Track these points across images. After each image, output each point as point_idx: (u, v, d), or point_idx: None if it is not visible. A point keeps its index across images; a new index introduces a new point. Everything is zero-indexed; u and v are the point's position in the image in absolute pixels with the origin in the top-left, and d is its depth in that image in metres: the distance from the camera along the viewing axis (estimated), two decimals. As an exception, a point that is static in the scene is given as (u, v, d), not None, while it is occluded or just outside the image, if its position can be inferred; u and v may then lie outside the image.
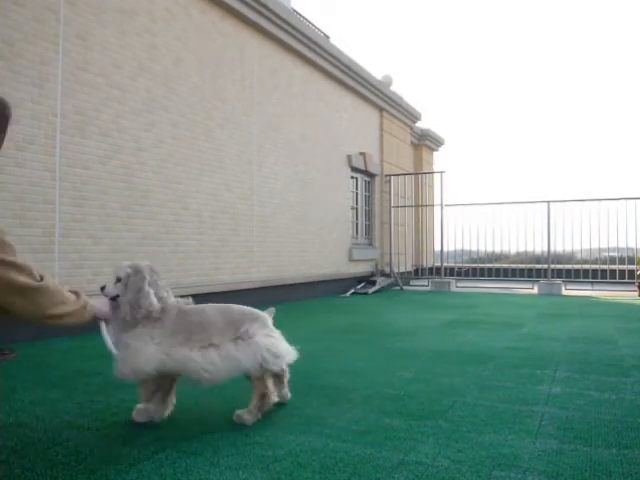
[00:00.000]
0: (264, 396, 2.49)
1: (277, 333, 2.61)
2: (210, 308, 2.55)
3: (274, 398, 2.58)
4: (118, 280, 2.41)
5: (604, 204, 10.50)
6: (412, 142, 15.07)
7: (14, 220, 4.55)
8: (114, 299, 2.38)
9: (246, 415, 2.46)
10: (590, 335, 5.14)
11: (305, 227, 9.08)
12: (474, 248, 11.88)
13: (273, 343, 2.52)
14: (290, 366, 3.73)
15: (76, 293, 2.03)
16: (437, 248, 12.49)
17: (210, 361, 2.37)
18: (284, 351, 2.55)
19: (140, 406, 2.47)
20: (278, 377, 2.66)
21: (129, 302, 2.35)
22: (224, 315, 2.51)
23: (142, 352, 2.30)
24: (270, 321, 2.64)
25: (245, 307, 2.61)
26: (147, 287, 2.38)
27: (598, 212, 10.49)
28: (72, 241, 5.05)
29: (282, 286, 8.33)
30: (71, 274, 5.01)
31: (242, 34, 7.54)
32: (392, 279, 11.49)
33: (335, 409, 2.68)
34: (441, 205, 11.58)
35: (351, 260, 10.72)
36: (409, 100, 13.66)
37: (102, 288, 2.44)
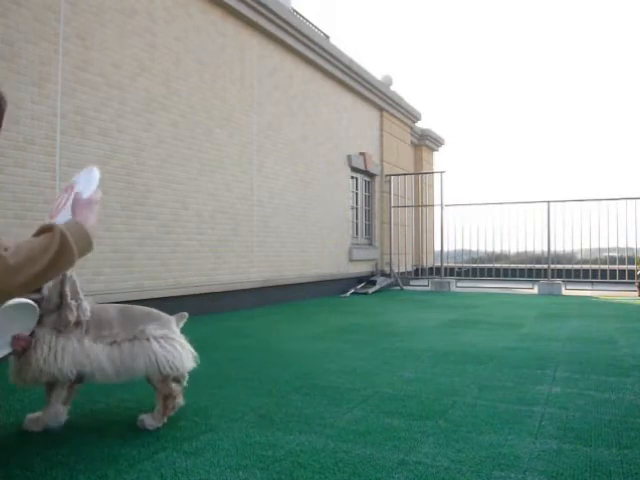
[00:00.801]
0: (167, 398, 2.39)
1: (178, 336, 2.49)
2: (113, 307, 2.51)
3: (180, 400, 2.48)
4: None
5: (604, 204, 10.50)
6: (412, 142, 15.07)
7: (14, 220, 4.55)
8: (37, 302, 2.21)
9: (148, 420, 2.37)
10: (590, 335, 5.14)
11: (305, 227, 9.08)
12: (474, 248, 11.89)
13: (170, 346, 2.40)
14: (291, 366, 3.74)
15: (48, 229, 1.60)
16: (437, 248, 12.49)
17: (112, 360, 2.33)
18: (180, 356, 2.41)
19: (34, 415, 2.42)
20: (177, 381, 2.52)
21: (58, 312, 2.27)
22: (124, 313, 2.45)
23: (66, 352, 2.26)
24: (174, 324, 2.52)
25: (148, 308, 2.55)
26: (70, 299, 2.30)
27: (598, 212, 10.50)
28: (72, 241, 5.04)
29: (282, 286, 8.33)
30: (71, 274, 5.01)
31: (242, 34, 7.54)
32: (392, 279, 11.49)
33: (335, 409, 2.68)
34: (441, 205, 11.58)
35: (351, 260, 10.72)
36: (409, 100, 13.67)
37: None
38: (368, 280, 11.08)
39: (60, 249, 1.57)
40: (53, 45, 4.88)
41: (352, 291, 10.30)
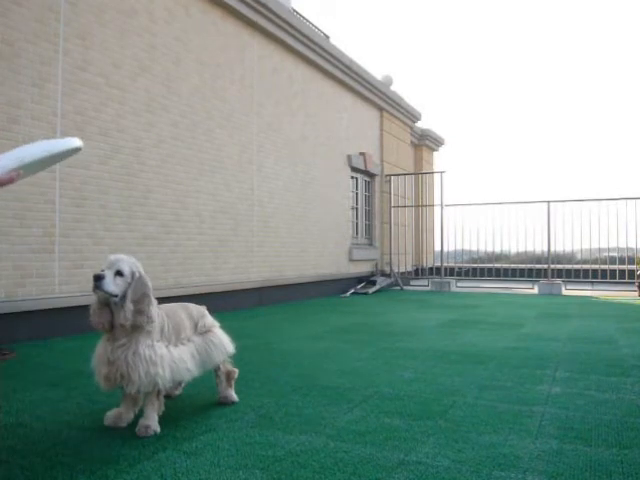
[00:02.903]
0: (230, 371, 2.76)
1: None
2: (174, 306, 2.61)
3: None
4: (119, 274, 2.23)
5: (604, 204, 10.50)
6: (412, 142, 15.07)
7: (14, 220, 4.55)
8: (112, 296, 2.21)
9: (231, 394, 2.76)
10: (590, 335, 5.14)
11: (305, 227, 9.08)
12: (474, 248, 11.89)
13: (222, 330, 2.75)
14: (291, 366, 3.75)
15: None
16: (437, 248, 12.49)
17: (194, 358, 2.50)
18: (228, 336, 2.79)
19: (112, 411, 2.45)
20: None
21: (134, 308, 2.23)
22: (185, 312, 2.60)
23: (166, 362, 2.31)
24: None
25: (184, 303, 2.74)
26: (151, 294, 2.31)
27: (598, 212, 10.50)
28: (72, 241, 5.05)
29: (282, 286, 8.33)
30: (71, 274, 5.01)
31: (242, 34, 7.54)
32: (392, 279, 11.49)
33: (335, 409, 2.68)
34: (441, 205, 11.58)
35: (351, 260, 10.71)
36: (409, 100, 13.67)
37: (98, 278, 2.17)
38: (368, 280, 11.08)
39: None
40: (53, 45, 4.88)
41: (352, 291, 10.30)
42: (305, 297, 8.99)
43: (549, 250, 10.89)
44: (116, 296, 2.23)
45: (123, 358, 2.22)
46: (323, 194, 9.68)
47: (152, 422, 2.31)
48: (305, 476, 1.89)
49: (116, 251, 5.47)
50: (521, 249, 11.56)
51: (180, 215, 6.33)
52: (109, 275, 2.20)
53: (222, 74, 7.11)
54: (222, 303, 6.88)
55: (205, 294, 6.53)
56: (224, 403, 2.73)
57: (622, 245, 10.69)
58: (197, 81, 6.67)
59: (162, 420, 2.40)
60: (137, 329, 2.26)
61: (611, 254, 11.58)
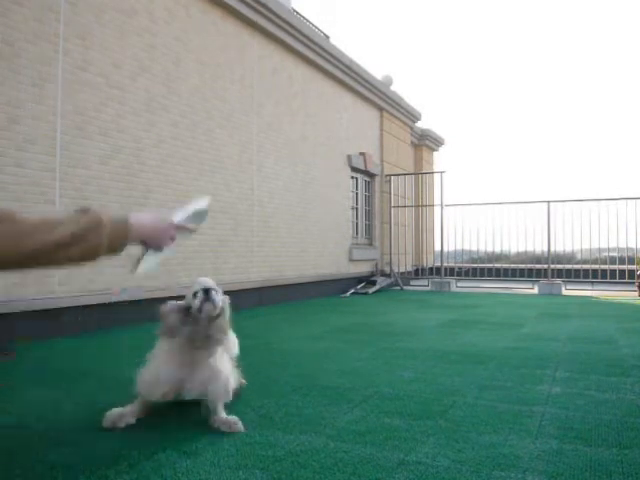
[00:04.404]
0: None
1: None
2: None
3: None
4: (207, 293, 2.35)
5: (604, 204, 10.50)
6: (412, 142, 15.07)
7: (14, 220, 4.54)
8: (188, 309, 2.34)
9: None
10: (590, 335, 5.14)
11: (305, 227, 9.08)
12: (474, 248, 11.89)
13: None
14: (291, 366, 3.75)
15: (84, 211, 1.46)
16: (437, 248, 12.49)
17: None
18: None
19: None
20: None
21: (210, 333, 2.33)
22: None
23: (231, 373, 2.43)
24: None
25: None
26: (231, 331, 2.43)
27: (598, 212, 10.50)
28: (72, 241, 5.04)
29: (282, 286, 8.33)
30: (71, 274, 5.01)
31: (242, 34, 7.54)
32: (392, 279, 11.49)
33: (335, 409, 2.68)
34: (441, 205, 11.58)
35: (351, 260, 10.71)
36: (409, 100, 13.67)
37: (208, 291, 2.32)
38: (368, 280, 11.08)
39: (85, 232, 1.40)
40: (53, 45, 4.88)
41: (352, 291, 10.30)
42: (305, 297, 8.99)
43: (549, 250, 10.89)
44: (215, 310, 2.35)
45: (204, 370, 2.35)
46: (323, 194, 9.68)
47: (233, 418, 2.38)
48: (305, 476, 1.89)
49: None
50: (521, 249, 11.58)
51: (180, 215, 6.33)
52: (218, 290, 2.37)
53: (222, 74, 7.11)
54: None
55: (205, 294, 6.52)
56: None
57: (622, 245, 10.70)
58: (197, 81, 6.67)
59: (162, 420, 2.40)
60: (216, 342, 2.38)
61: (611, 254, 11.58)
